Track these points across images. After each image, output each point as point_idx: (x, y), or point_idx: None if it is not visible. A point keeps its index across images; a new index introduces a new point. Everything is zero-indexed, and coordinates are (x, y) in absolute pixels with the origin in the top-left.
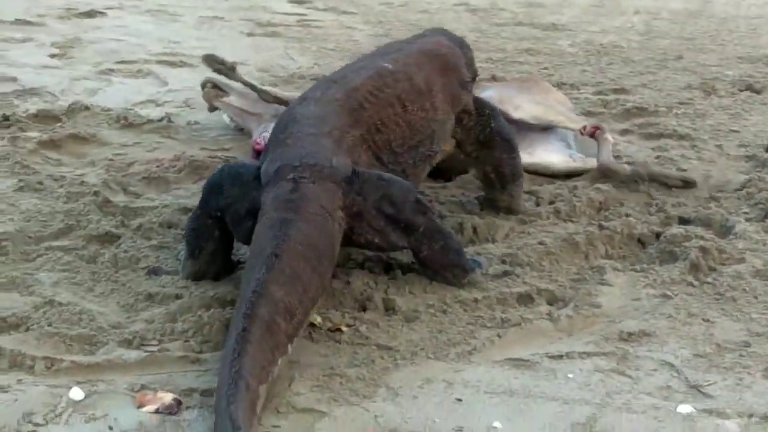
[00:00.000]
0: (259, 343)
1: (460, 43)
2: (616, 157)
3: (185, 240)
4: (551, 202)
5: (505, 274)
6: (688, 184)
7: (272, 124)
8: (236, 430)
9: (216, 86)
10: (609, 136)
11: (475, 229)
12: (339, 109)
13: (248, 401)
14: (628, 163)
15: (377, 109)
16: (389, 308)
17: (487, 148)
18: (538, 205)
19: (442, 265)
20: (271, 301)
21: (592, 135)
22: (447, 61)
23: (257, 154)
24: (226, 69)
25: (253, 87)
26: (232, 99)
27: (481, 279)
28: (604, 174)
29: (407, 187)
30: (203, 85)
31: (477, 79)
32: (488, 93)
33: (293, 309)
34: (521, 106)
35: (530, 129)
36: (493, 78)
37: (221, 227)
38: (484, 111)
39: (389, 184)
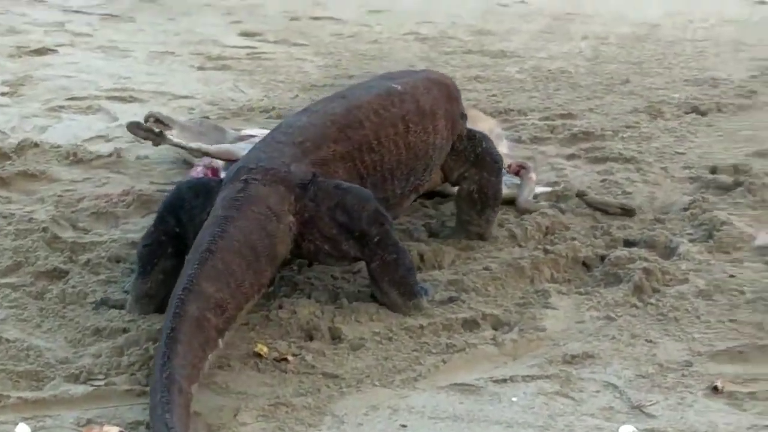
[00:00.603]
0: (189, 341)
1: (450, 79)
2: (556, 183)
3: (137, 258)
4: (500, 225)
5: (451, 300)
6: (627, 211)
7: (204, 159)
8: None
9: (158, 120)
10: (533, 175)
11: (421, 257)
12: (329, 123)
13: (182, 405)
14: (565, 190)
15: (377, 129)
16: (335, 337)
17: (476, 167)
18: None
19: (391, 279)
20: (202, 296)
21: (516, 173)
22: (451, 91)
23: None
24: (154, 135)
25: (182, 146)
26: (175, 132)
27: (427, 305)
28: (522, 212)
29: (366, 195)
30: (146, 119)
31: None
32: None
33: (224, 304)
34: None
35: None
36: None
37: (176, 245)
38: (475, 135)
39: (346, 191)
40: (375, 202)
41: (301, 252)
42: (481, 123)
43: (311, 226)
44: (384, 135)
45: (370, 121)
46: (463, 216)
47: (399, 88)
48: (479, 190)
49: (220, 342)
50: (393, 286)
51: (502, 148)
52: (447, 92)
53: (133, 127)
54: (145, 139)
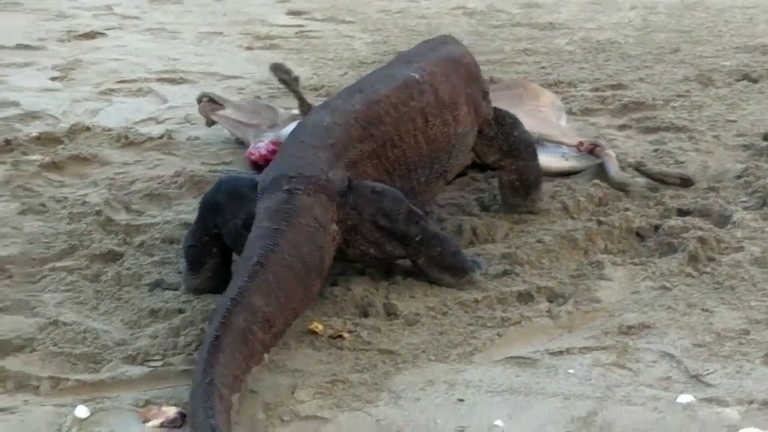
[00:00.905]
0: (232, 352)
1: (470, 53)
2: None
3: (184, 256)
4: (552, 197)
5: (505, 273)
6: (685, 181)
7: (269, 134)
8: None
9: (212, 100)
10: (610, 152)
11: (474, 231)
12: (352, 122)
13: (224, 411)
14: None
15: (397, 124)
16: (390, 313)
17: (511, 156)
18: (541, 200)
19: (440, 269)
20: (250, 309)
21: (591, 152)
22: (471, 70)
23: (253, 164)
24: (290, 79)
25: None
26: (228, 112)
27: (481, 279)
28: (620, 188)
29: (398, 197)
30: (199, 100)
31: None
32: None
33: (272, 319)
34: None
35: None
36: (491, 80)
37: (219, 244)
38: (505, 120)
39: (382, 196)
40: (407, 202)
41: (347, 257)
42: (541, 97)
43: (355, 233)
44: (404, 130)
45: (390, 116)
46: (510, 201)
47: (417, 77)
48: (520, 178)
49: (266, 357)
50: (444, 272)
51: (562, 121)
52: (466, 74)
53: (276, 68)
54: (282, 82)
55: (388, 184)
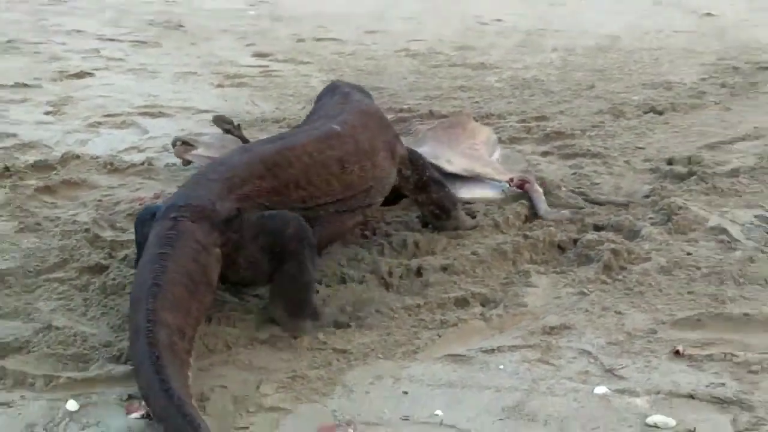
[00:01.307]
0: (172, 365)
1: (366, 91)
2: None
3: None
4: (485, 215)
5: (338, 325)
6: (624, 205)
7: None
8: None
9: (185, 143)
10: (538, 187)
11: (417, 244)
12: (257, 162)
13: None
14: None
15: (306, 168)
16: (344, 314)
17: (425, 192)
18: (474, 217)
19: (283, 290)
20: (166, 325)
21: (520, 187)
22: (382, 118)
23: None
24: (233, 127)
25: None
26: (200, 150)
27: (310, 329)
28: (546, 218)
29: (287, 217)
30: (173, 144)
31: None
32: (424, 149)
33: (183, 329)
34: (452, 161)
35: (461, 177)
36: (431, 113)
37: None
38: (419, 162)
39: (268, 219)
40: (298, 221)
41: (228, 280)
42: (478, 135)
43: (237, 254)
44: (315, 174)
45: (301, 161)
46: (436, 224)
47: (338, 129)
48: (437, 206)
49: (191, 361)
50: (282, 302)
51: (496, 154)
52: (380, 121)
53: (218, 120)
54: (225, 131)
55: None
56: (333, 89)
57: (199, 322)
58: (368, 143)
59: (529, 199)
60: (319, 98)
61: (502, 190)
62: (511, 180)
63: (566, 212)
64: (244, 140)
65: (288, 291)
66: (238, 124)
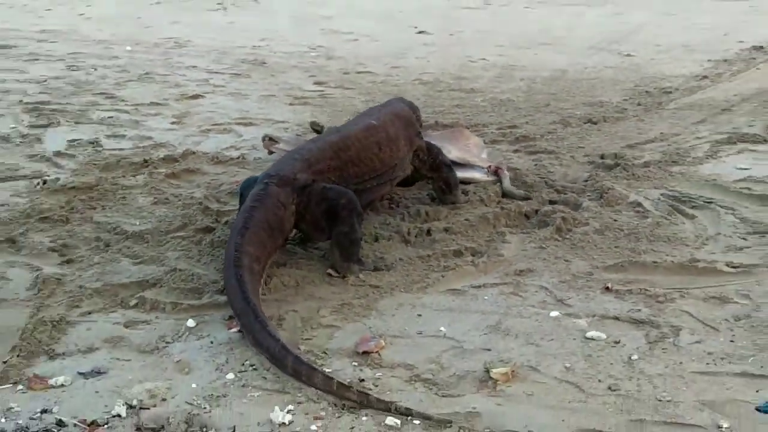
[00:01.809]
0: (249, 281)
1: (413, 106)
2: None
3: None
4: (474, 193)
5: (376, 269)
6: (526, 198)
7: None
8: (265, 333)
9: (271, 138)
10: (506, 171)
11: (426, 213)
12: (327, 147)
13: (260, 314)
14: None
15: (358, 151)
16: (378, 261)
17: (437, 171)
18: (465, 194)
19: (337, 246)
20: (248, 254)
21: (495, 172)
22: (407, 119)
23: None
24: (320, 128)
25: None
26: (281, 144)
27: (356, 272)
28: (506, 195)
29: (342, 192)
30: (263, 139)
31: (423, 125)
32: (433, 143)
33: (260, 258)
34: (451, 151)
35: (457, 163)
36: (437, 123)
37: None
38: (433, 150)
39: (328, 190)
40: (350, 196)
41: (300, 227)
42: (470, 139)
43: (305, 211)
44: (364, 155)
45: (355, 146)
46: (440, 197)
47: (375, 123)
48: (444, 183)
49: (262, 280)
50: (338, 250)
51: (483, 154)
52: (406, 121)
53: (265, 140)
54: (316, 132)
55: (344, 185)
56: (389, 100)
57: (271, 256)
58: (394, 133)
59: (500, 180)
60: (383, 104)
61: (485, 173)
62: (489, 167)
63: (520, 191)
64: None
65: (342, 245)
66: (323, 126)
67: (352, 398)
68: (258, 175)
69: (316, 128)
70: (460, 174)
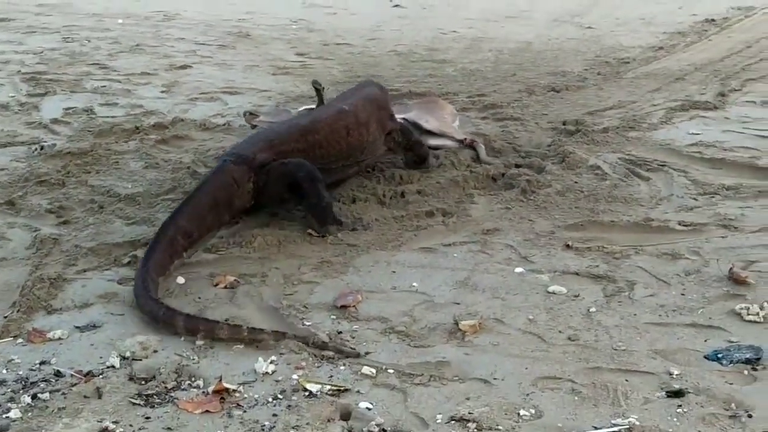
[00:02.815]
0: (162, 251)
1: (383, 89)
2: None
3: None
4: (446, 158)
5: (354, 228)
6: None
7: None
8: (146, 297)
9: (251, 113)
10: (481, 144)
11: (400, 176)
12: (295, 131)
13: (152, 287)
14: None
15: (326, 134)
16: (355, 221)
17: (410, 150)
18: (437, 158)
19: (312, 213)
20: (176, 226)
21: (470, 145)
22: (380, 103)
23: None
24: (321, 88)
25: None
26: (261, 117)
27: (335, 232)
28: (485, 163)
29: (300, 164)
30: (243, 114)
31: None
32: (411, 114)
33: (191, 232)
34: (429, 121)
35: (433, 133)
36: (410, 92)
37: None
38: (407, 132)
39: (287, 165)
40: (308, 167)
41: (261, 202)
42: (445, 108)
43: (266, 187)
44: (332, 138)
45: (324, 130)
46: (414, 168)
47: (346, 107)
48: (417, 157)
49: (185, 255)
50: (313, 218)
51: (456, 122)
52: (377, 105)
53: (314, 82)
54: (315, 90)
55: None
56: (362, 83)
57: (210, 231)
58: (364, 118)
59: (476, 151)
60: (355, 87)
61: (459, 145)
62: (465, 139)
63: (498, 161)
64: (322, 101)
65: (315, 214)
66: (323, 87)
67: (244, 335)
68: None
69: (317, 86)
70: (435, 142)
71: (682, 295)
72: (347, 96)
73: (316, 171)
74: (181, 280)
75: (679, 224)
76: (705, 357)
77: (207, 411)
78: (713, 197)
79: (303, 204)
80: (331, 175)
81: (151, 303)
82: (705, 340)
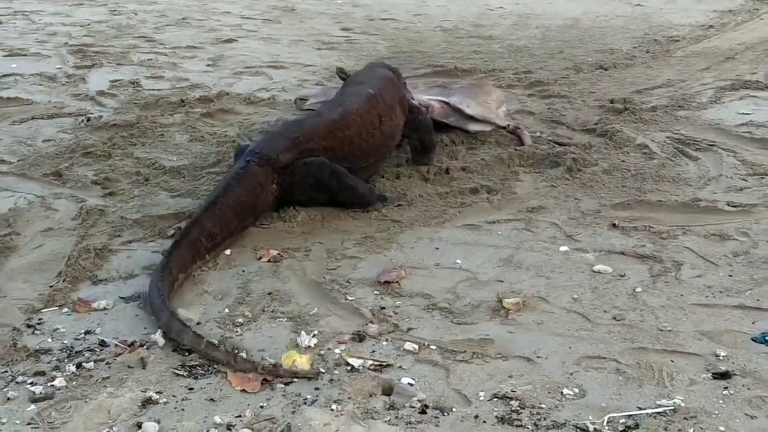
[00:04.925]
0: (184, 250)
1: (390, 66)
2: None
3: None
4: (492, 133)
5: (398, 205)
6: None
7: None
8: (160, 296)
9: (302, 99)
10: (526, 132)
11: (446, 153)
12: (322, 126)
13: (168, 282)
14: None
15: (359, 129)
16: (400, 197)
17: (416, 131)
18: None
19: (352, 203)
20: (201, 228)
21: (513, 132)
22: (395, 83)
23: None
24: (345, 75)
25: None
26: (311, 100)
27: (380, 207)
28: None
29: (323, 163)
30: (294, 101)
31: (404, 82)
32: (453, 98)
33: (215, 235)
34: (471, 105)
35: (475, 118)
36: (455, 68)
37: None
38: (414, 110)
39: (310, 165)
40: (331, 166)
41: (288, 200)
42: (491, 94)
43: (291, 189)
44: (365, 131)
45: (356, 123)
46: (415, 158)
47: (373, 92)
48: (420, 143)
49: (207, 257)
50: (357, 207)
51: (502, 109)
52: (394, 85)
53: (297, 102)
54: (340, 77)
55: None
56: (371, 64)
57: (233, 235)
58: (390, 100)
59: (519, 138)
60: (366, 69)
61: (490, 128)
62: (508, 126)
63: (543, 147)
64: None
65: (354, 202)
66: (348, 74)
67: (220, 357)
68: (251, 143)
69: (342, 75)
70: (477, 128)
71: (730, 276)
72: (362, 80)
73: (336, 166)
74: (227, 251)
75: (728, 205)
76: (752, 339)
77: (244, 390)
78: (763, 178)
79: (339, 200)
80: (359, 175)
81: (159, 302)
82: (753, 322)
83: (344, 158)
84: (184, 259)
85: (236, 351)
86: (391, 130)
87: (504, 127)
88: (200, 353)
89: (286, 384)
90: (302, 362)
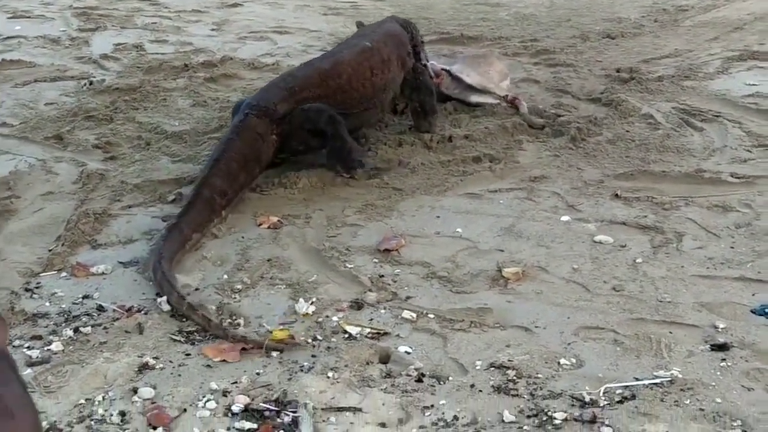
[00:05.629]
0: (199, 209)
1: (409, 24)
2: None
3: None
4: (498, 104)
5: (376, 171)
6: (542, 127)
7: None
8: (160, 258)
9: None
10: (523, 102)
11: (449, 121)
12: (315, 75)
13: (179, 241)
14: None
15: (350, 77)
16: (400, 164)
17: (416, 91)
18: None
19: (336, 157)
20: (211, 186)
21: (511, 102)
22: (401, 39)
23: None
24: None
25: None
26: None
27: (362, 174)
28: (527, 121)
29: (320, 108)
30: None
31: (422, 42)
32: (455, 66)
33: (226, 191)
34: (470, 75)
35: (474, 88)
36: (461, 35)
37: None
38: (418, 69)
39: (308, 111)
40: (329, 111)
41: (287, 151)
42: (494, 65)
43: (290, 138)
44: (355, 80)
45: (347, 72)
46: (415, 123)
47: (369, 44)
48: (420, 106)
49: (223, 213)
50: (337, 162)
51: (505, 82)
52: (399, 41)
53: (358, 24)
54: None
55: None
56: (385, 19)
57: (243, 187)
58: (387, 55)
59: (517, 109)
60: (377, 23)
61: (499, 101)
62: (506, 96)
63: (540, 120)
64: None
65: (340, 158)
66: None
67: (197, 321)
68: (247, 98)
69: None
70: (476, 98)
71: (732, 248)
72: (366, 33)
73: (335, 114)
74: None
75: (732, 176)
76: (752, 311)
77: (224, 360)
78: None
79: (326, 148)
80: (352, 121)
81: (155, 262)
82: (753, 294)
83: (337, 106)
84: (201, 219)
85: (209, 318)
86: (383, 83)
87: (503, 97)
88: (184, 316)
89: (282, 351)
90: (280, 335)
